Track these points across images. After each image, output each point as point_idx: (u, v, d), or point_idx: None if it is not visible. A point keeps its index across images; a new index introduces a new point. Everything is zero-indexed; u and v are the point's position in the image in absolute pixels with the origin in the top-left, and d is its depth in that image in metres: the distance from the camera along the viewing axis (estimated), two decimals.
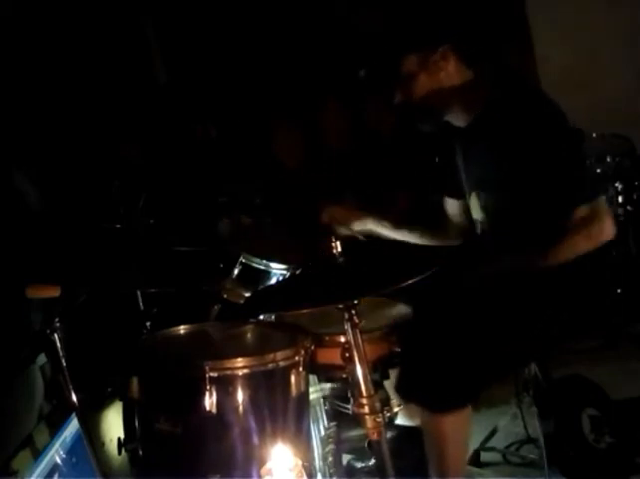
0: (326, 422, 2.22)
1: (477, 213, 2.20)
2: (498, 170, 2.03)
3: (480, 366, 1.99)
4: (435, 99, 2.11)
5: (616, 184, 3.62)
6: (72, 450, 1.72)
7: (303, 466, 1.44)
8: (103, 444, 2.19)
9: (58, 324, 2.00)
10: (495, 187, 2.07)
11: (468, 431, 2.13)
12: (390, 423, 1.70)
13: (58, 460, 1.65)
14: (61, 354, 2.00)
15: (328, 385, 2.22)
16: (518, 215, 1.99)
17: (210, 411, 1.69)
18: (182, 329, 2.03)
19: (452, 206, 2.36)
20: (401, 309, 2.14)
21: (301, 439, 1.79)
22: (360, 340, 1.66)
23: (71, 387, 1.99)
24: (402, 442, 2.22)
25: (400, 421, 2.33)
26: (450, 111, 2.16)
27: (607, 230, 1.97)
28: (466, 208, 2.27)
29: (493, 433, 2.67)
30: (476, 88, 2.10)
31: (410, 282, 1.58)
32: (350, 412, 1.75)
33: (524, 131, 1.97)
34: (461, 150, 2.22)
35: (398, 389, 2.06)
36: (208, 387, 1.68)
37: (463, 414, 2.05)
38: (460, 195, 2.28)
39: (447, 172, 2.30)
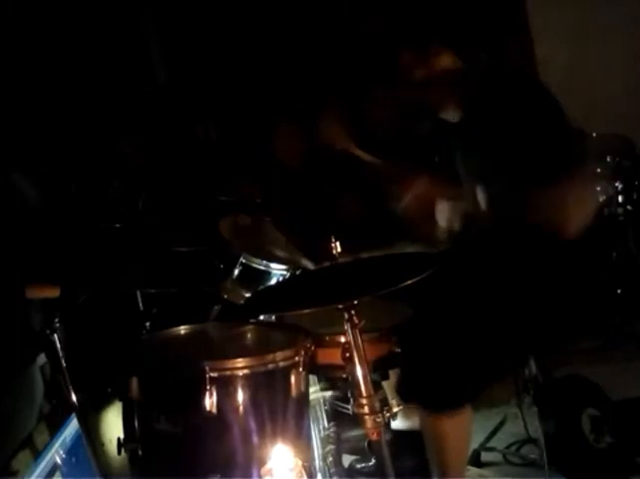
0: (326, 422, 2.22)
1: (482, 205, 2.18)
2: (496, 158, 2.02)
3: (480, 367, 2.00)
4: (431, 94, 2.11)
5: (616, 184, 3.61)
6: (72, 450, 1.71)
7: (303, 466, 1.44)
8: (103, 444, 2.19)
9: (58, 324, 2.00)
10: (494, 176, 2.07)
11: (469, 431, 2.13)
12: (386, 426, 1.69)
13: (58, 460, 1.64)
14: (61, 354, 2.01)
15: (328, 388, 2.22)
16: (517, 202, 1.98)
17: (210, 411, 1.69)
18: (182, 329, 2.03)
19: (443, 208, 2.33)
20: (401, 310, 2.14)
21: (301, 439, 1.79)
22: (360, 340, 1.66)
23: (71, 387, 2.00)
24: (398, 448, 2.22)
25: (396, 424, 2.33)
26: (444, 106, 2.15)
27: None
28: (459, 209, 2.25)
29: (494, 433, 2.68)
30: (466, 78, 2.10)
31: (409, 282, 1.58)
32: (350, 412, 1.75)
33: (516, 119, 1.96)
34: (459, 145, 2.21)
35: (398, 391, 2.06)
36: (208, 387, 1.68)
37: (463, 415, 2.05)
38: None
39: (443, 173, 2.28)
